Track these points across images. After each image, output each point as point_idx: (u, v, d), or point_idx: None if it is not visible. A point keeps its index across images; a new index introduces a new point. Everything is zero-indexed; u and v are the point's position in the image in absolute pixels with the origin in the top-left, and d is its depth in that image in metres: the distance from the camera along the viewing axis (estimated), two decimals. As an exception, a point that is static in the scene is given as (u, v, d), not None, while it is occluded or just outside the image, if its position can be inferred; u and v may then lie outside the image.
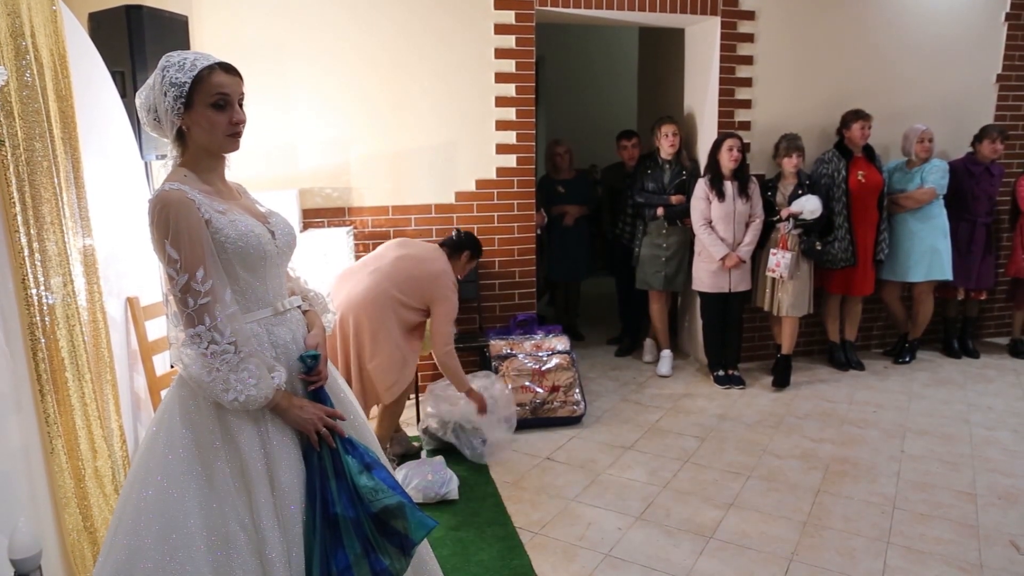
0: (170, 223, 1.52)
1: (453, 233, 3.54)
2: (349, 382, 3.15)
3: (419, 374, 3.98)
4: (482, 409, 3.43)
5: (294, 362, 1.72)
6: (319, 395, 1.72)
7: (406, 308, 3.18)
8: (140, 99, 1.64)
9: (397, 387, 3.17)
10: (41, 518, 2.09)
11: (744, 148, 4.32)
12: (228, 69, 1.63)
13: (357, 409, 1.89)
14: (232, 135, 1.63)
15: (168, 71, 1.58)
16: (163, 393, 1.72)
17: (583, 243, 5.10)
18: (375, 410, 3.33)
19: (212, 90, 1.59)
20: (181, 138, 1.64)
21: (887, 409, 4.12)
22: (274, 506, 1.61)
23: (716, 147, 4.30)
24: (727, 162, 4.23)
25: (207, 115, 1.59)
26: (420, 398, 3.92)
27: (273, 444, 1.62)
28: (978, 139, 4.78)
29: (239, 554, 1.56)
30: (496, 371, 3.85)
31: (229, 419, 1.60)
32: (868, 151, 4.61)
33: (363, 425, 1.88)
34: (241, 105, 1.66)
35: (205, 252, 1.55)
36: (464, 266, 3.48)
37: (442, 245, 3.42)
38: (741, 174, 4.29)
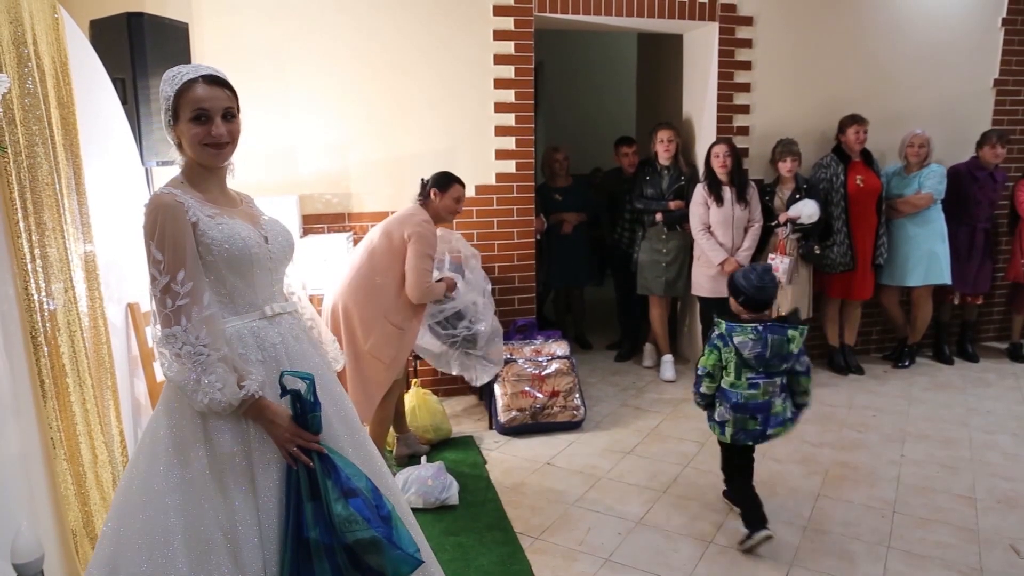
0: (157, 225, 1.57)
1: (420, 185, 3.39)
2: (345, 374, 3.17)
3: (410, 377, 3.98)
4: (451, 288, 3.36)
5: (285, 367, 1.72)
6: (305, 420, 1.63)
7: (390, 284, 3.13)
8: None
9: (397, 363, 3.21)
10: (42, 522, 2.10)
11: (737, 153, 4.32)
12: (212, 81, 1.64)
13: (357, 424, 1.87)
14: (209, 145, 1.64)
15: (165, 85, 1.64)
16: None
17: (582, 249, 5.10)
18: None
19: (191, 104, 1.62)
20: (180, 147, 1.69)
21: (887, 413, 4.12)
22: (255, 509, 1.62)
23: (709, 153, 4.32)
24: (718, 168, 4.25)
25: (188, 128, 1.63)
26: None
27: (254, 447, 1.63)
28: (979, 144, 4.80)
29: (216, 555, 1.57)
30: (496, 376, 3.85)
31: (210, 419, 1.61)
32: (866, 156, 4.63)
33: (362, 439, 1.85)
34: (228, 117, 1.66)
35: (187, 255, 1.58)
36: (440, 205, 3.28)
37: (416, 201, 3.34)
38: (739, 179, 4.30)
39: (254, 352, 1.68)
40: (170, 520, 1.56)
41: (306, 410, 1.62)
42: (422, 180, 3.40)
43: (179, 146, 1.68)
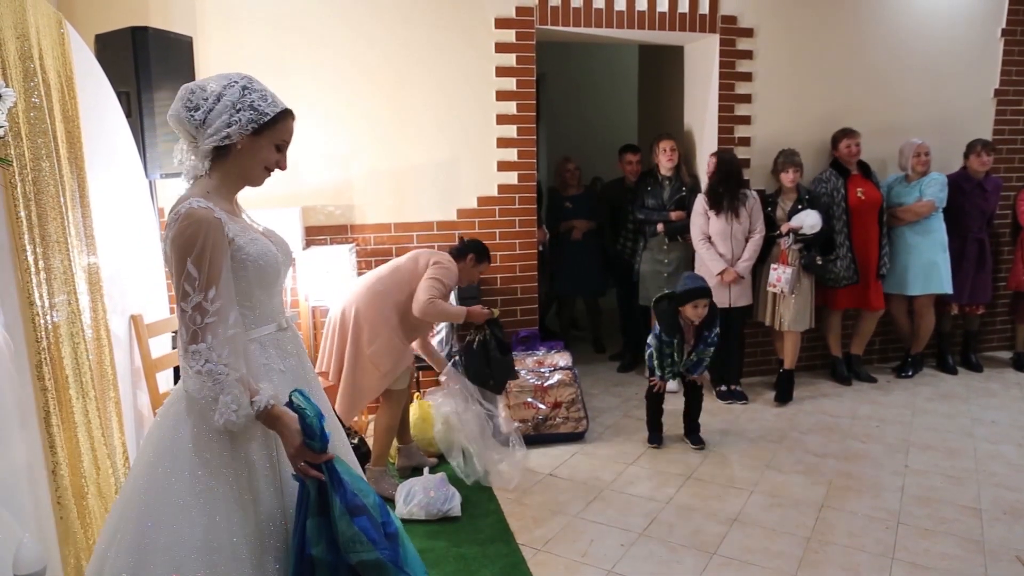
0: (197, 241, 1.54)
1: (457, 241, 3.58)
2: (340, 374, 3.26)
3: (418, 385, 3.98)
4: (482, 315, 3.42)
5: (301, 378, 1.74)
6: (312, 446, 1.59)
7: (405, 300, 3.25)
8: (188, 91, 1.62)
9: (391, 375, 3.26)
10: (45, 535, 2.09)
11: (737, 164, 4.33)
12: (294, 119, 1.74)
13: (341, 434, 1.87)
14: (268, 171, 1.71)
15: (251, 94, 1.64)
16: (161, 409, 1.73)
17: (592, 258, 5.13)
18: (370, 428, 3.35)
19: (283, 134, 1.69)
20: (220, 152, 1.64)
21: (890, 423, 4.11)
22: (283, 515, 1.63)
23: (709, 164, 4.34)
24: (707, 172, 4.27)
25: (268, 150, 1.67)
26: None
27: (281, 453, 1.65)
28: (966, 155, 4.81)
29: (240, 565, 1.56)
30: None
31: (238, 437, 1.61)
32: (864, 168, 4.63)
33: (347, 450, 1.85)
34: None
35: (222, 274, 1.57)
36: (470, 270, 3.50)
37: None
38: (739, 189, 4.30)
39: (277, 362, 1.70)
40: (196, 531, 1.55)
41: (305, 434, 1.58)
42: (461, 239, 3.62)
43: (219, 151, 1.63)
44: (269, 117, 1.64)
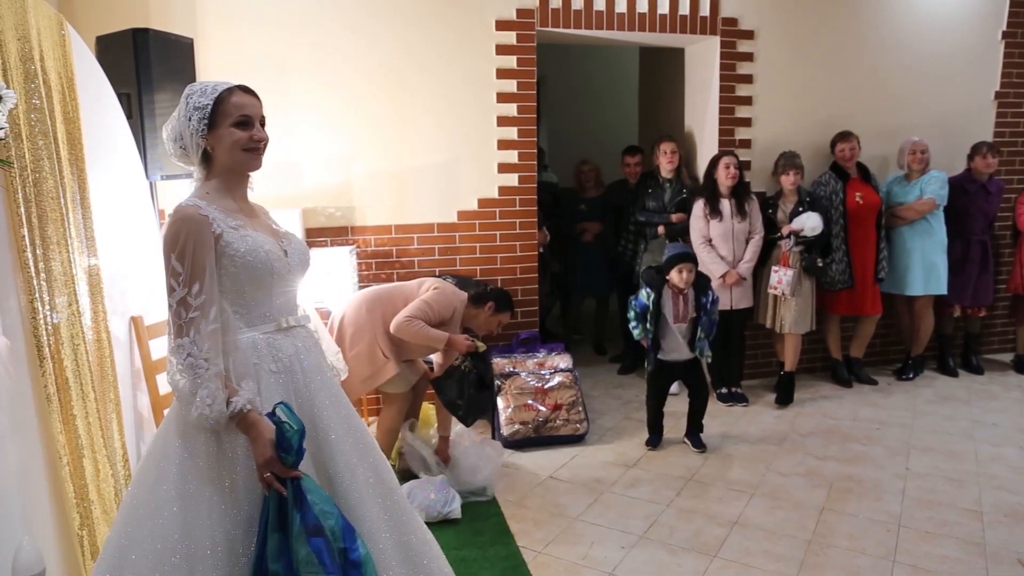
0: (179, 238, 1.60)
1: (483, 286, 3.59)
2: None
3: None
4: (464, 345, 3.29)
5: (299, 379, 1.74)
6: (278, 456, 1.58)
7: (391, 316, 3.22)
8: (167, 132, 1.72)
9: (371, 382, 3.25)
10: (44, 537, 2.09)
11: (740, 166, 4.33)
12: (247, 91, 1.73)
13: (369, 442, 1.85)
14: (250, 150, 1.71)
15: (192, 98, 1.68)
16: (167, 412, 1.74)
17: (605, 258, 5.15)
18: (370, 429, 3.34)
19: (233, 111, 1.68)
20: (206, 160, 1.72)
21: (891, 426, 4.10)
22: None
23: (712, 165, 4.32)
24: (725, 179, 4.25)
25: (230, 133, 1.68)
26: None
27: None
28: (970, 156, 4.81)
29: (220, 565, 1.57)
30: (499, 389, 3.86)
31: (223, 433, 1.62)
32: (863, 171, 4.63)
33: (374, 460, 1.82)
34: (263, 126, 1.74)
35: (205, 269, 1.60)
36: (487, 319, 3.44)
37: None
38: (739, 191, 4.30)
39: (269, 363, 1.71)
40: (177, 527, 1.57)
41: (280, 447, 1.56)
42: (486, 286, 3.60)
43: (204, 157, 1.71)
44: (210, 107, 1.66)
